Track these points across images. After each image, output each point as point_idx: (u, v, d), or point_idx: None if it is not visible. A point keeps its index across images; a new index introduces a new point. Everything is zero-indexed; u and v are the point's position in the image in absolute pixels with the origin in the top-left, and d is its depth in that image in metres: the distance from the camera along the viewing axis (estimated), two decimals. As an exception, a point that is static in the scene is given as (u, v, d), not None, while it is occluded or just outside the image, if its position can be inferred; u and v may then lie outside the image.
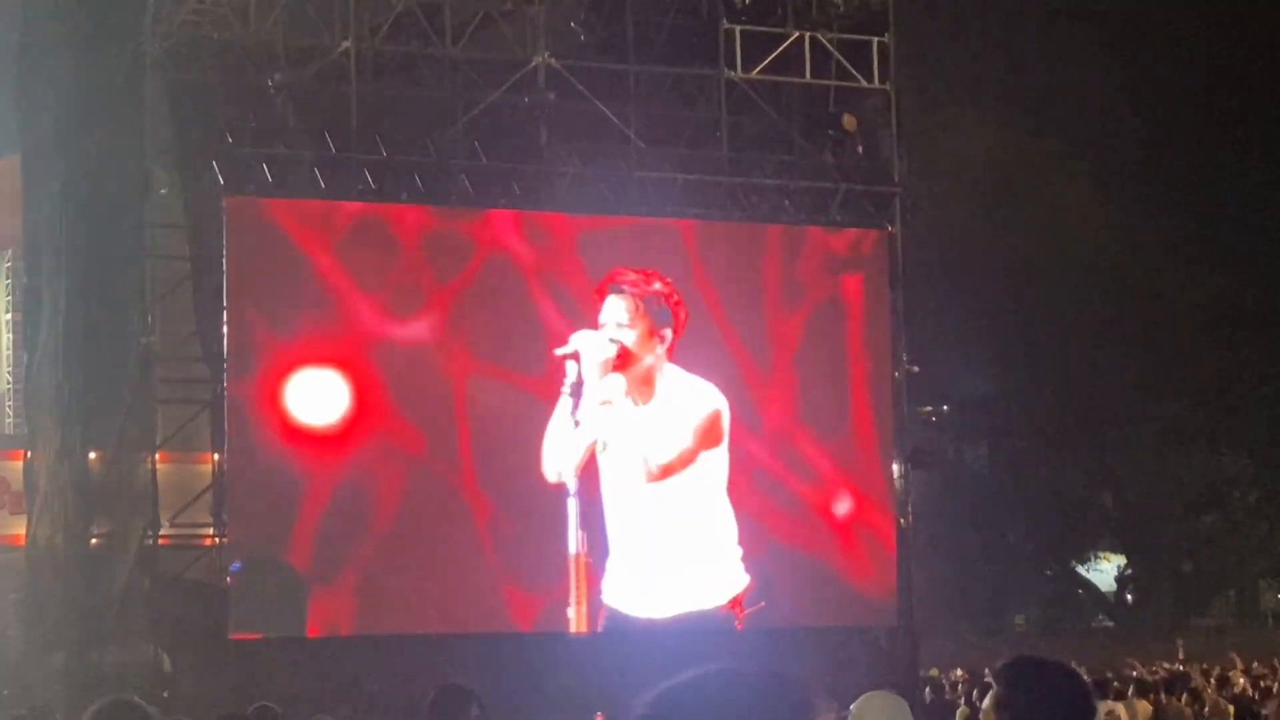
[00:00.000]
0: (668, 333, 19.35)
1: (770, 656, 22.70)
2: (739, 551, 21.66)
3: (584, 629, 18.69)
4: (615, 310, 19.06)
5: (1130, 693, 22.18)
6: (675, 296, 19.57)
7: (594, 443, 19.16)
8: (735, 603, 21.70)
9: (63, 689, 22.40)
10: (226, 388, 22.22)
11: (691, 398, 20.00)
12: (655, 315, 19.18)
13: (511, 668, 20.46)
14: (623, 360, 18.85)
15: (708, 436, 20.10)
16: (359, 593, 22.01)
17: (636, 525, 20.54)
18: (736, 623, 21.74)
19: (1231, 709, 25.09)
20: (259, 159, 23.12)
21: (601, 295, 19.29)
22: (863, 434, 24.26)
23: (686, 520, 20.96)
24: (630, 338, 19.01)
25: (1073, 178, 46.41)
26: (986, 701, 5.08)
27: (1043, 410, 49.86)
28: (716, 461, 20.77)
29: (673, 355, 19.69)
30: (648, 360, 19.23)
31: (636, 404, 19.42)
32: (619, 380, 18.87)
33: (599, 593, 20.69)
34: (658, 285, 19.39)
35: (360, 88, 23.48)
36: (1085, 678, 5.58)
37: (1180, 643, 33.55)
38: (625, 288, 19.18)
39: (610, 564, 20.90)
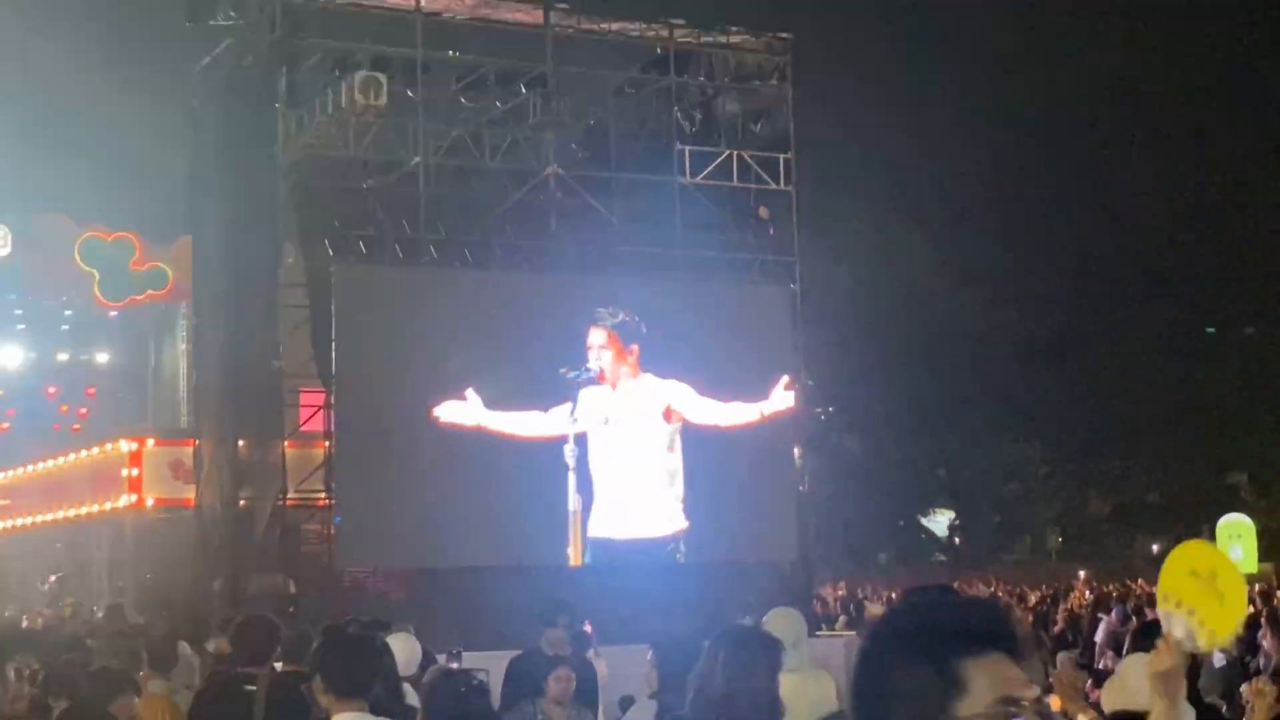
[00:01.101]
0: (635, 348, 19.47)
1: (708, 581, 22.66)
2: (680, 503, 21.68)
3: (578, 563, 18.66)
4: (596, 338, 19.22)
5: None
6: (637, 323, 19.68)
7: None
8: (677, 536, 21.78)
9: (220, 605, 22.28)
10: (334, 396, 22.17)
11: (660, 385, 20.19)
12: (624, 338, 19.28)
13: (528, 588, 20.38)
14: (602, 375, 19.00)
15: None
16: (425, 538, 21.92)
17: (619, 477, 20.54)
18: (679, 553, 21.75)
19: (1030, 618, 25.15)
20: (357, 238, 23.13)
21: (585, 328, 19.39)
22: (776, 427, 24.20)
23: (654, 474, 21.02)
24: (608, 357, 19.15)
25: (922, 250, 46.53)
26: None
27: (899, 411, 50.00)
28: (677, 433, 20.86)
29: (640, 364, 19.75)
30: (623, 370, 19.39)
31: (614, 390, 19.62)
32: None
33: (587, 534, 20.70)
34: (622, 317, 19.56)
35: (427, 189, 23.47)
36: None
37: (992, 577, 33.45)
38: (602, 321, 19.34)
39: (596, 508, 20.84)
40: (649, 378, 20.28)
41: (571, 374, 18.81)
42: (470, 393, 18.62)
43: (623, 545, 21.20)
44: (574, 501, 19.62)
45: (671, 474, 21.58)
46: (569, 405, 19.42)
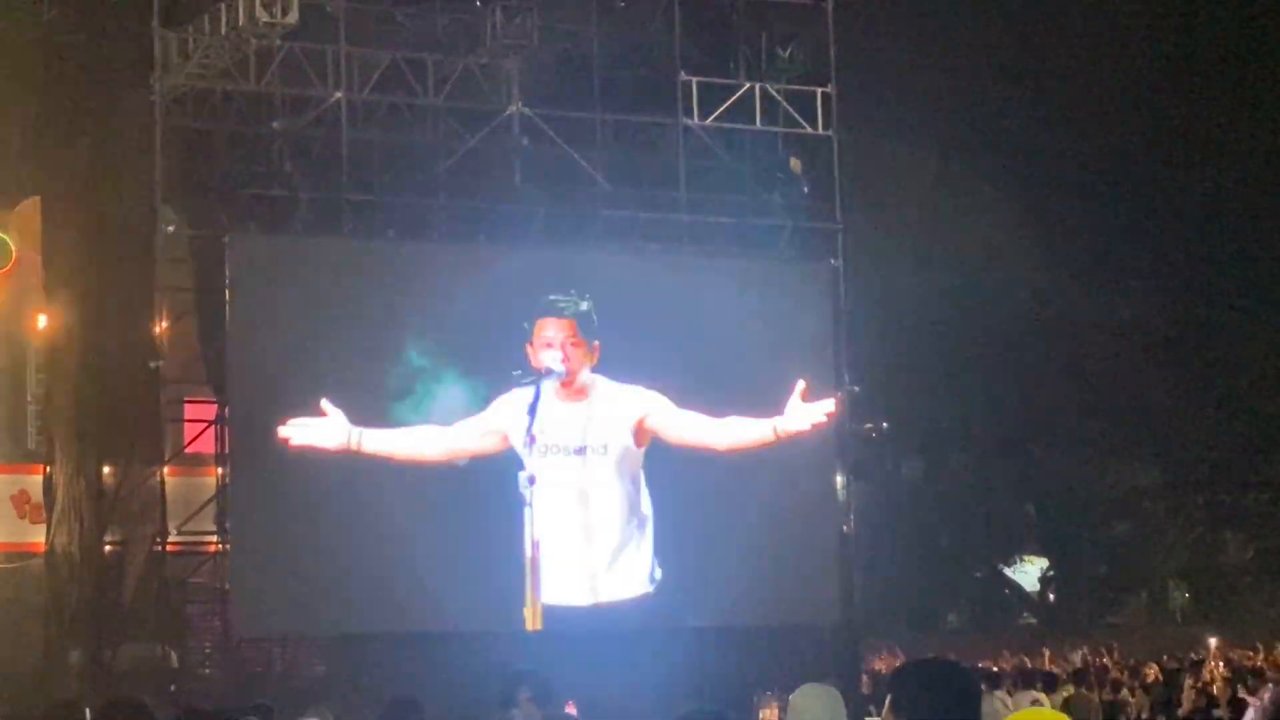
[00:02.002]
0: (598, 344, 19.40)
1: (717, 652, 22.62)
2: (653, 551, 21.58)
3: (537, 626, 18.67)
4: (556, 332, 19.04)
5: (1040, 686, 22.20)
6: (597, 315, 19.55)
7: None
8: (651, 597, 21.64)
9: (79, 685, 22.24)
10: (228, 407, 22.14)
11: (628, 394, 20.02)
12: (588, 333, 19.19)
13: (475, 660, 20.34)
14: (571, 379, 18.87)
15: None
16: (348, 595, 21.87)
17: (576, 523, 20.45)
18: (658, 616, 21.64)
19: (1147, 700, 25.14)
20: (258, 199, 23.12)
21: (539, 317, 19.18)
22: (807, 447, 24.09)
23: (622, 517, 20.91)
24: (575, 355, 19.04)
25: (1001, 216, 46.47)
26: (885, 707, 4.97)
27: (972, 427, 49.96)
28: (641, 458, 20.72)
29: (600, 364, 19.65)
30: (585, 373, 19.30)
31: (578, 405, 19.46)
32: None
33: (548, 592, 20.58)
34: (585, 305, 19.37)
35: (351, 134, 23.42)
36: (968, 670, 5.48)
37: (1099, 644, 33.32)
38: (565, 311, 19.18)
39: (555, 564, 20.74)
40: (606, 384, 20.18)
41: (529, 379, 18.65)
42: (327, 405, 18.47)
43: (583, 615, 21.13)
44: (532, 547, 19.44)
45: (644, 515, 21.52)
46: (494, 417, 19.30)
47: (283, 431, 18.74)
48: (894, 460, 49.27)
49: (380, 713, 9.11)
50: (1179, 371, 49.89)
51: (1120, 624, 49.91)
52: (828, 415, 19.27)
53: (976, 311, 47.71)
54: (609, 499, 20.86)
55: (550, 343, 18.84)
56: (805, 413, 18.80)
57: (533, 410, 16.27)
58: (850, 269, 25.78)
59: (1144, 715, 24.13)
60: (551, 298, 19.34)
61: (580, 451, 20.12)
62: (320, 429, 18.74)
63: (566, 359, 18.73)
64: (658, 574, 21.43)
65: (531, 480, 16.94)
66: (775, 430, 19.52)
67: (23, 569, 25.96)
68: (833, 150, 25.66)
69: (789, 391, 20.28)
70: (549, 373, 18.04)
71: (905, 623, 43.95)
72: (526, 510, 18.68)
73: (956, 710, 4.93)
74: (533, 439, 16.39)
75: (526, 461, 17.03)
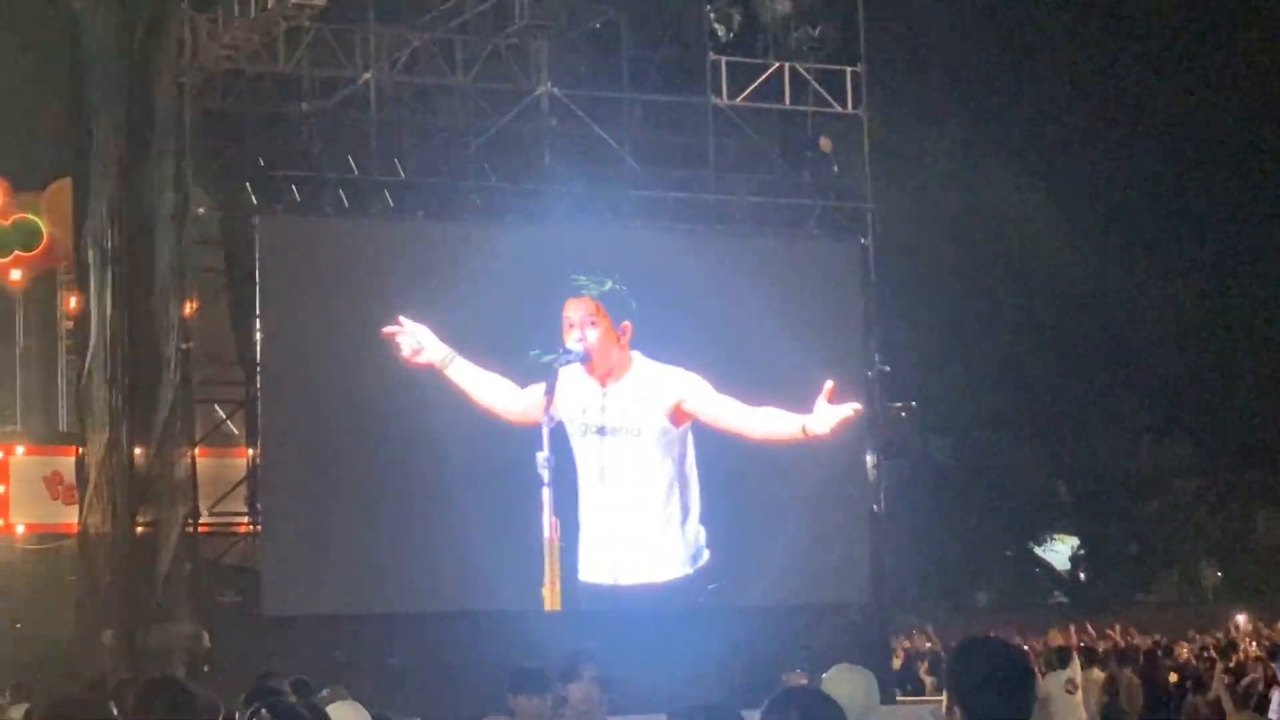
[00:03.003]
0: (628, 326, 19.29)
1: (745, 631, 22.63)
2: (701, 531, 21.54)
3: (556, 607, 18.62)
4: (578, 311, 19.01)
5: (1082, 663, 22.15)
6: (626, 295, 19.46)
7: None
8: (699, 576, 21.65)
9: (111, 664, 22.36)
10: (259, 389, 22.21)
11: (666, 376, 19.95)
12: (614, 313, 19.11)
13: (495, 640, 20.40)
14: (592, 360, 18.83)
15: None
16: (375, 575, 21.95)
17: (616, 502, 20.42)
18: (702, 595, 21.62)
19: (1175, 676, 25.13)
20: (288, 181, 23.13)
21: (566, 299, 19.18)
22: (838, 426, 24.10)
23: (663, 495, 20.88)
24: (594, 335, 18.98)
25: (1031, 193, 46.31)
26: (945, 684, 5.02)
27: (1003, 406, 49.86)
28: (689, 437, 20.66)
29: (632, 345, 19.58)
30: (614, 355, 19.21)
31: (604, 387, 19.41)
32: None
33: (574, 572, 20.63)
34: (610, 284, 19.31)
35: (380, 115, 23.46)
36: (1024, 650, 5.46)
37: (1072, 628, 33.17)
38: (586, 290, 19.16)
39: (586, 544, 20.75)
40: (645, 364, 20.08)
41: (547, 357, 18.54)
42: (425, 330, 18.50)
43: (625, 593, 21.10)
44: (550, 527, 19.45)
45: (686, 494, 21.48)
46: (544, 396, 19.27)
47: (388, 329, 18.87)
48: (924, 439, 49.19)
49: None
50: (1211, 350, 49.78)
51: (1152, 602, 49.85)
52: (855, 411, 19.22)
53: (1007, 290, 47.64)
54: (637, 479, 20.83)
55: (571, 324, 18.84)
56: (831, 414, 18.84)
57: (550, 391, 16.31)
58: (880, 248, 25.75)
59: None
60: (574, 278, 19.35)
61: (602, 432, 20.09)
62: (424, 337, 18.84)
63: (583, 339, 18.69)
64: (703, 558, 21.40)
65: (549, 462, 16.91)
66: (805, 429, 19.54)
67: (55, 550, 26.09)
68: (862, 129, 25.63)
69: (817, 376, 20.27)
70: (567, 354, 18.01)
71: (936, 602, 43.92)
72: (545, 491, 18.72)
73: (1018, 691, 4.95)
74: (552, 419, 16.41)
75: (545, 442, 17.04)
